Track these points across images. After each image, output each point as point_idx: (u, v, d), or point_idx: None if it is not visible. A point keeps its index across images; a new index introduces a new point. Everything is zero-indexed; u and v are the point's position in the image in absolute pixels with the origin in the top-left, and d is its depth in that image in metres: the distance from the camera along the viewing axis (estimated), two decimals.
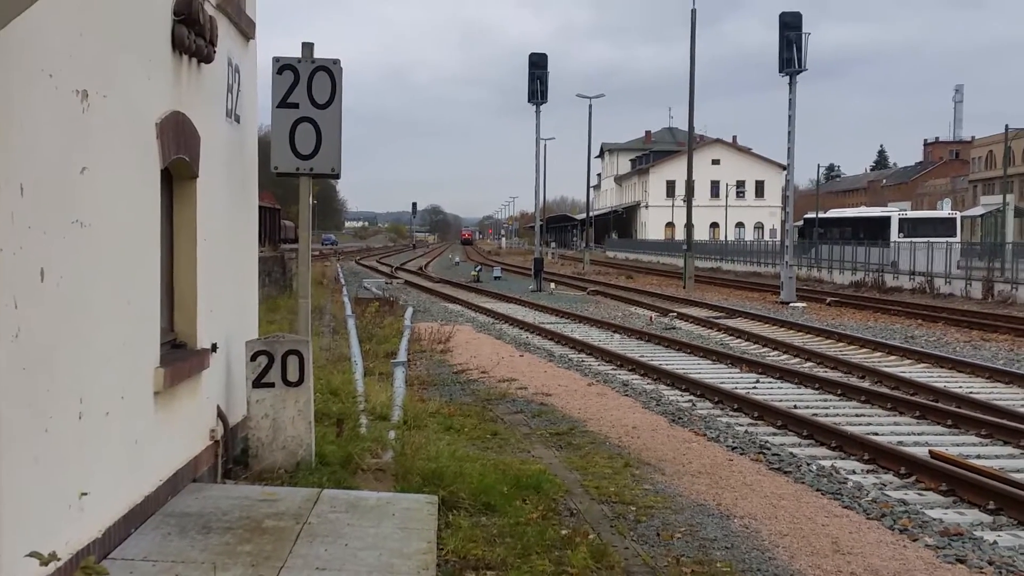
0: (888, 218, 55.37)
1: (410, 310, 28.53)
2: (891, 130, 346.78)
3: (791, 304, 34.12)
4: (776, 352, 20.95)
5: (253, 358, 8.53)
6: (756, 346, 22.12)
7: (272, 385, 8.53)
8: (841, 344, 22.34)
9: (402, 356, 17.06)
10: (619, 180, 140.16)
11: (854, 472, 10.50)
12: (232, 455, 8.67)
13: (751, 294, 40.30)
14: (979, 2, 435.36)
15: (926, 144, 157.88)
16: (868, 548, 7.97)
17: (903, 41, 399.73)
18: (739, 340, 23.39)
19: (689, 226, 47.95)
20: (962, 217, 59.64)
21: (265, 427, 8.52)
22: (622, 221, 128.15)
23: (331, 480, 8.25)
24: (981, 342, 22.83)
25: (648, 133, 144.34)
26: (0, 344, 4.43)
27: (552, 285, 44.52)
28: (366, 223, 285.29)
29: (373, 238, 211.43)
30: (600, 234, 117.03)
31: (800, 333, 24.72)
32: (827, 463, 10.76)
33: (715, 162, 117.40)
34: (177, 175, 7.52)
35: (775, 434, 12.41)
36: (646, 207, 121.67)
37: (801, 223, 65.43)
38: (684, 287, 42.84)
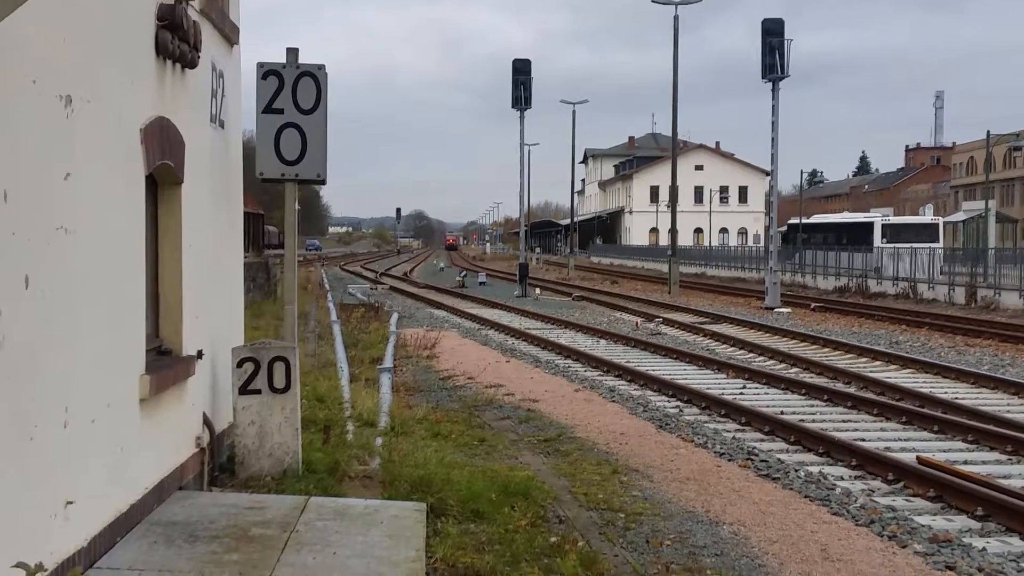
0: (871, 223, 55.55)
1: (395, 316, 28.46)
2: (873, 136, 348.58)
3: (776, 309, 34.20)
4: (762, 357, 20.97)
5: (239, 365, 8.47)
6: (742, 351, 22.13)
7: (258, 392, 8.47)
8: (826, 349, 22.39)
9: (388, 362, 16.99)
10: (603, 185, 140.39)
11: (842, 478, 10.50)
12: (218, 462, 8.60)
13: (736, 299, 40.38)
14: (959, 8, 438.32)
15: (907, 150, 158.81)
16: (857, 555, 7.96)
17: (884, 48, 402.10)
18: (725, 345, 23.41)
19: (673, 231, 48.03)
20: (944, 223, 59.93)
21: (251, 434, 8.45)
22: (606, 226, 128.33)
23: (318, 487, 8.18)
24: (965, 347, 22.91)
25: (631, 139, 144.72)
26: None
27: (537, 291, 44.52)
28: (350, 228, 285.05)
29: (357, 243, 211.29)
30: (585, 239, 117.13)
31: (785, 338, 24.76)
32: (815, 469, 10.75)
33: (699, 168, 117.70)
34: (162, 181, 7.46)
35: (763, 440, 12.40)
36: (630, 212, 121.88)
37: (785, 228, 65.64)
38: (669, 292, 42.90)
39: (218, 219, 8.94)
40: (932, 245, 44.08)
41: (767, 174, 51.98)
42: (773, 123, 36.37)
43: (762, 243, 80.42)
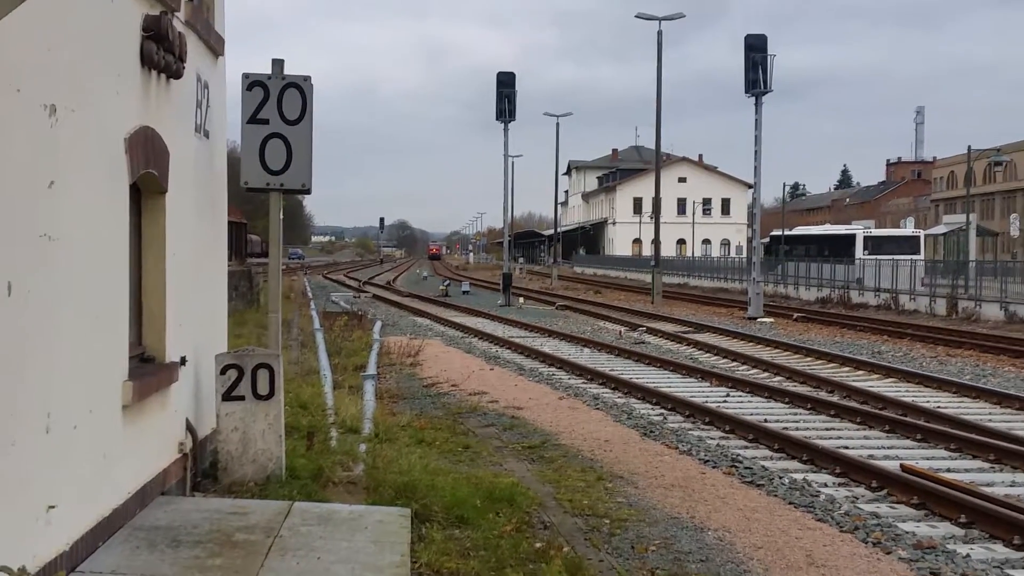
0: (853, 235, 55.80)
1: (379, 324, 28.41)
2: (854, 150, 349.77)
3: (758, 319, 34.30)
4: (745, 367, 21.03)
5: (223, 371, 8.46)
6: (725, 360, 22.19)
7: (242, 398, 8.45)
8: (809, 359, 22.47)
9: (372, 369, 16.97)
10: (586, 197, 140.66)
11: (826, 485, 10.54)
12: (201, 468, 8.59)
13: (719, 309, 40.48)
14: (938, 26, 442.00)
15: (888, 164, 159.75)
16: (842, 561, 7.99)
17: (866, 64, 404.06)
18: (708, 355, 23.46)
19: (657, 242, 48.12)
20: (926, 235, 60.23)
21: (235, 440, 8.44)
22: (590, 237, 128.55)
23: (302, 493, 8.17)
24: (947, 357, 23.04)
25: (615, 151, 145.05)
26: None
27: (521, 300, 44.54)
28: (333, 238, 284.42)
29: (340, 253, 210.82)
30: (568, 250, 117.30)
31: (768, 348, 24.84)
32: (799, 476, 10.79)
33: (682, 180, 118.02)
34: (146, 190, 7.45)
35: (747, 447, 12.43)
36: (613, 224, 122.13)
37: (767, 240, 65.91)
38: (652, 302, 42.98)
39: (202, 228, 8.93)
40: (914, 257, 44.32)
41: (750, 187, 52.30)
42: (756, 137, 36.56)
43: (744, 254, 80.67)
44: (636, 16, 44.94)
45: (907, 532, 8.81)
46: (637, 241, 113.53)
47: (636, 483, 10.46)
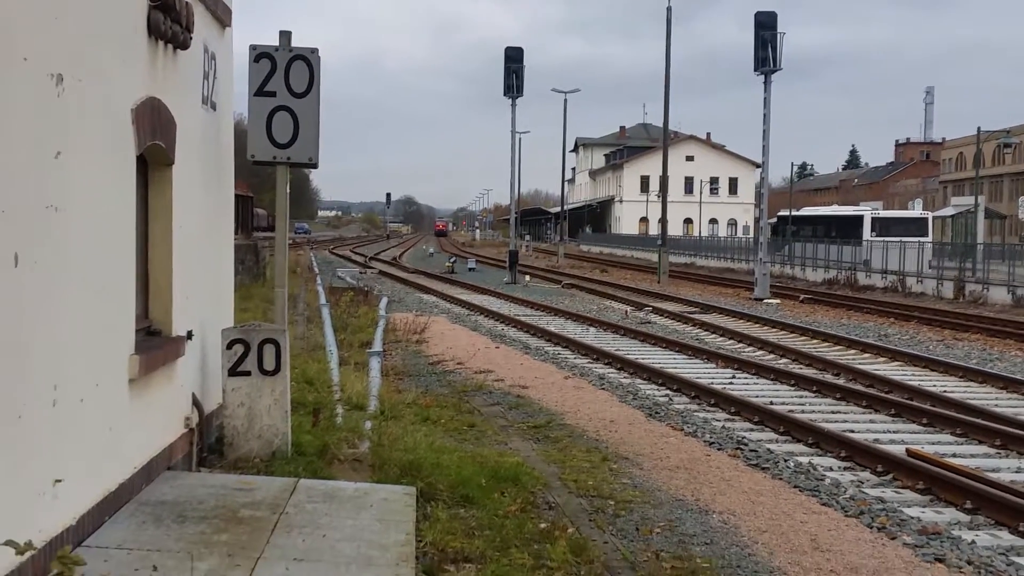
0: (861, 217, 55.61)
1: (385, 300, 28.41)
2: (863, 130, 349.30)
3: (765, 300, 34.24)
4: (751, 348, 20.98)
5: (229, 346, 8.42)
6: (731, 342, 22.15)
7: (248, 374, 8.43)
8: (815, 341, 22.42)
9: (377, 346, 16.95)
10: (593, 175, 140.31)
11: (831, 469, 10.51)
12: (207, 443, 8.57)
13: (725, 290, 40.41)
14: (950, 4, 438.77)
15: (897, 145, 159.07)
16: (847, 546, 7.96)
17: (876, 43, 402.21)
18: (714, 335, 23.42)
19: (664, 221, 48.05)
20: (934, 217, 60.02)
21: (241, 416, 8.42)
22: (596, 215, 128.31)
23: (307, 470, 8.15)
24: (953, 341, 22.97)
25: (622, 128, 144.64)
26: None
27: (527, 278, 44.50)
28: (339, 212, 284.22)
29: (346, 228, 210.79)
30: (574, 228, 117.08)
31: (775, 329, 24.79)
32: (804, 460, 10.76)
33: (689, 159, 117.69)
34: (153, 161, 7.40)
35: (752, 430, 12.41)
36: (620, 202, 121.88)
37: (775, 220, 65.65)
38: (659, 281, 42.92)
39: (209, 200, 8.88)
40: (921, 239, 44.17)
41: (757, 166, 52.08)
42: (765, 116, 36.38)
43: (751, 234, 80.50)
44: None
45: (912, 517, 8.78)
46: (644, 220, 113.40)
47: (641, 464, 10.43)
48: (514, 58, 45.84)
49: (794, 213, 67.91)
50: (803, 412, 13.40)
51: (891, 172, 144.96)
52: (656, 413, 13.24)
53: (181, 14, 7.29)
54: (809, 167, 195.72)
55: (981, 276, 35.76)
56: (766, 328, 25.09)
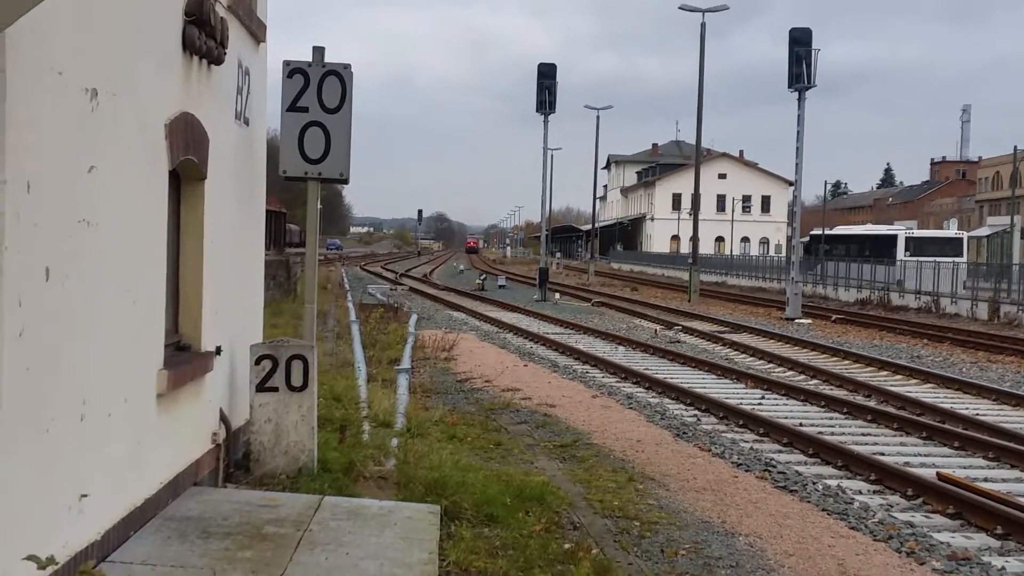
0: (895, 236, 55.20)
1: (414, 317, 28.47)
2: (898, 148, 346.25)
3: (796, 320, 34.02)
4: (781, 368, 20.85)
5: (257, 362, 8.46)
6: (761, 362, 22.01)
7: (276, 390, 8.46)
8: (847, 362, 22.23)
9: (406, 363, 16.98)
10: (625, 192, 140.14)
11: (860, 492, 10.40)
12: (234, 459, 8.60)
13: (756, 309, 40.19)
14: (985, 21, 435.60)
15: (933, 163, 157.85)
16: (875, 571, 7.87)
17: (911, 60, 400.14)
18: (744, 355, 23.29)
19: (695, 239, 47.88)
20: (969, 237, 59.48)
21: (268, 432, 8.44)
22: (627, 233, 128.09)
23: (333, 487, 8.16)
24: (987, 363, 22.71)
25: (655, 146, 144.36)
26: (3, 343, 4.35)
27: (557, 295, 44.46)
28: (371, 229, 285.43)
29: (378, 244, 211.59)
30: (605, 245, 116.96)
31: (805, 350, 24.61)
32: (833, 483, 10.66)
33: (721, 176, 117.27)
34: (185, 176, 7.46)
35: (781, 451, 12.31)
36: (652, 219, 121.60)
37: (807, 239, 65.33)
38: (689, 300, 42.76)
39: (240, 216, 8.94)
40: (956, 259, 43.75)
41: (790, 184, 51.80)
42: (798, 133, 36.23)
43: (784, 253, 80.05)
44: (679, 8, 44.68)
45: (942, 542, 8.67)
46: (675, 238, 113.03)
47: (667, 485, 10.38)
48: (547, 74, 45.93)
49: (827, 232, 67.52)
50: (833, 434, 13.28)
51: (926, 191, 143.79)
52: (684, 433, 13.17)
53: (216, 29, 7.35)
54: (843, 185, 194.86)
55: (1016, 298, 35.34)
56: (797, 348, 24.92)
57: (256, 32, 9.27)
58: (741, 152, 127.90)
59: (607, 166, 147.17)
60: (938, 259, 41.70)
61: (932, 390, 18.05)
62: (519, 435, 12.67)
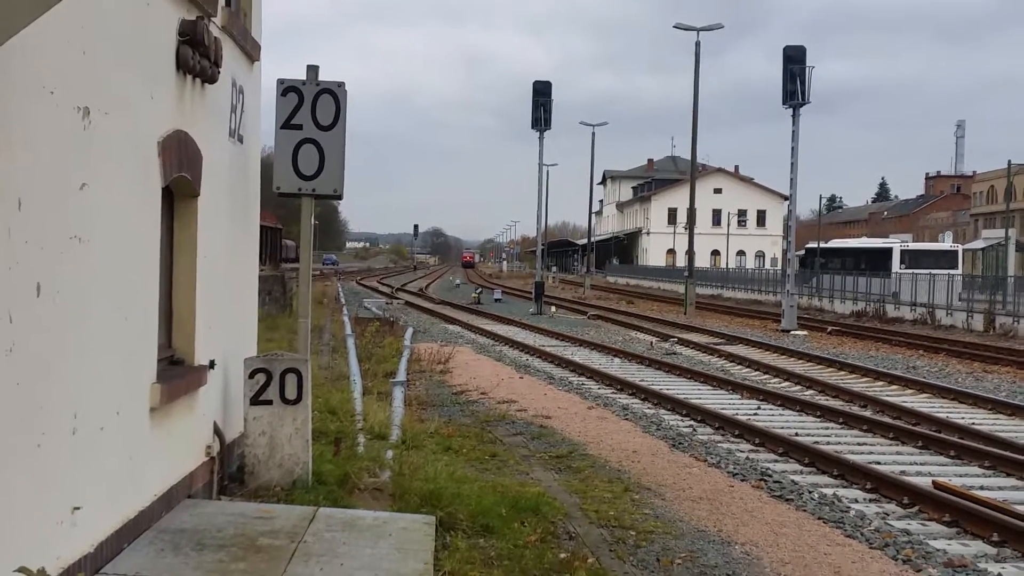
0: (890, 249, 55.31)
1: (410, 330, 28.48)
2: (892, 163, 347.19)
3: (792, 332, 34.06)
4: (777, 379, 20.87)
5: (251, 375, 8.48)
6: (757, 373, 22.04)
7: (270, 403, 8.47)
8: (842, 373, 22.26)
9: (401, 376, 16.99)
10: (621, 207, 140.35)
11: (856, 501, 10.42)
12: (228, 472, 8.60)
13: (752, 321, 40.23)
14: (979, 38, 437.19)
15: (927, 178, 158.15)
16: None
17: (904, 77, 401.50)
18: (740, 367, 23.31)
19: (691, 253, 47.97)
20: (964, 250, 59.58)
21: (262, 444, 8.45)
22: (623, 247, 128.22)
23: (327, 499, 8.17)
24: (983, 374, 22.74)
25: (650, 161, 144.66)
26: None
27: (553, 309, 44.48)
28: (367, 244, 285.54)
29: (374, 259, 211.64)
30: (601, 259, 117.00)
31: (801, 361, 24.64)
32: (829, 491, 10.67)
33: (717, 191, 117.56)
34: (179, 193, 7.49)
35: (777, 461, 12.33)
36: (647, 233, 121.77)
37: (803, 253, 65.41)
38: (685, 313, 42.79)
39: (234, 232, 8.96)
40: (951, 272, 43.83)
41: (785, 198, 51.93)
42: (793, 148, 36.40)
43: (779, 267, 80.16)
44: (674, 26, 44.91)
45: (938, 550, 8.68)
46: (671, 251, 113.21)
47: (663, 495, 10.38)
48: (542, 92, 46.12)
49: (823, 245, 67.63)
50: (829, 444, 13.30)
51: (921, 205, 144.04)
52: (679, 444, 13.18)
53: (210, 49, 7.39)
54: (838, 200, 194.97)
55: (1012, 309, 35.41)
56: (793, 360, 24.95)
57: (250, 51, 9.32)
58: (736, 167, 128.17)
59: (603, 181, 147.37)
60: (933, 271, 41.78)
61: (928, 400, 18.08)
62: (515, 446, 12.67)
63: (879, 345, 29.96)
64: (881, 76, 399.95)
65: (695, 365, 22.82)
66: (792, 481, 11.14)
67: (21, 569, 4.20)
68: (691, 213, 48.24)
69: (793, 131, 36.23)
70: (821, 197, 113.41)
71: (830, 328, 35.45)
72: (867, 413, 15.97)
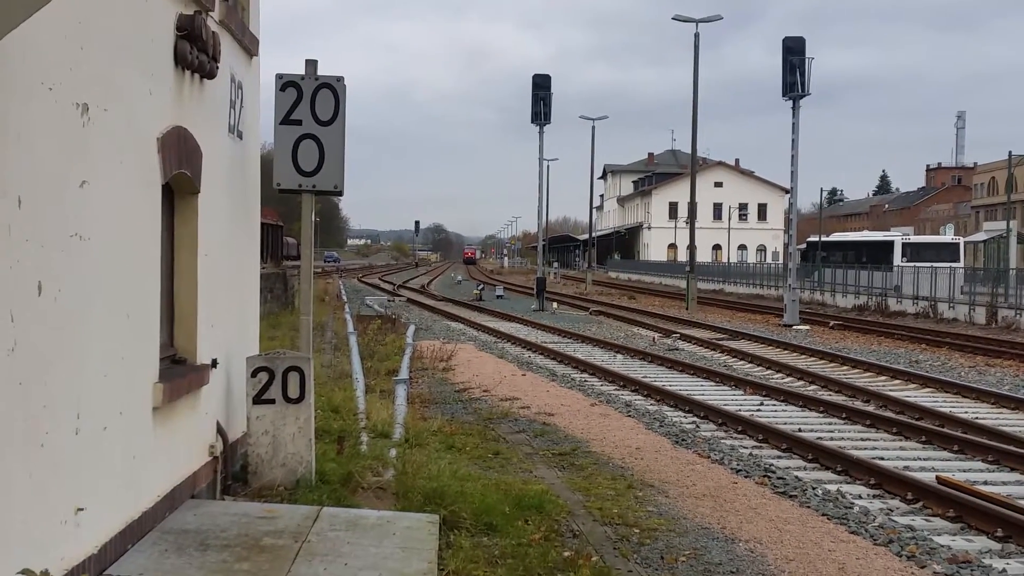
0: (891, 242, 55.30)
1: (412, 328, 28.46)
2: (893, 155, 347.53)
3: (794, 327, 34.03)
4: (780, 374, 20.84)
5: (254, 374, 8.45)
6: (760, 368, 22.00)
7: (272, 402, 8.44)
8: (845, 367, 22.23)
9: (404, 374, 16.97)
10: (622, 201, 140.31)
11: (860, 497, 10.39)
12: (231, 471, 8.57)
13: (754, 316, 40.20)
14: (979, 29, 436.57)
15: (928, 170, 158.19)
16: (875, 575, 7.85)
17: (905, 67, 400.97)
18: (742, 362, 23.28)
19: (692, 247, 47.90)
20: (965, 242, 59.53)
21: (265, 444, 8.43)
22: (625, 242, 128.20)
23: (331, 498, 8.15)
24: (986, 367, 22.71)
25: (651, 155, 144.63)
26: None
27: (554, 305, 44.46)
28: (368, 241, 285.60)
29: (375, 256, 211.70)
30: (603, 254, 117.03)
31: (804, 356, 24.62)
32: (833, 487, 10.64)
33: (718, 184, 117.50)
34: (178, 190, 7.46)
35: (780, 457, 12.30)
36: (648, 228, 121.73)
37: (804, 246, 65.36)
38: (687, 308, 42.75)
39: (235, 229, 8.93)
40: (953, 264, 43.79)
41: (786, 192, 51.89)
42: (793, 141, 36.31)
43: (781, 260, 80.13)
44: (673, 18, 44.81)
45: (942, 546, 8.66)
46: (672, 246, 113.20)
47: (667, 492, 10.36)
48: (542, 85, 46.10)
49: (824, 239, 67.58)
50: (832, 439, 13.27)
51: (922, 197, 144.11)
52: (683, 440, 13.16)
53: (208, 44, 7.36)
54: (839, 192, 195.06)
55: (1014, 302, 35.36)
56: (795, 355, 24.92)
57: (249, 46, 9.28)
58: (737, 161, 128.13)
59: (603, 176, 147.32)
60: (935, 264, 41.74)
61: (931, 394, 18.05)
62: (518, 444, 12.65)
63: (881, 339, 29.93)
64: (881, 66, 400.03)
65: (697, 361, 22.80)
66: (796, 477, 11.12)
67: (25, 571, 4.18)
68: (692, 207, 48.20)
69: (793, 123, 36.18)
70: (822, 190, 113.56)
71: (832, 322, 35.42)
72: (870, 408, 15.93)
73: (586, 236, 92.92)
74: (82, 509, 5.25)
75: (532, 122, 46.38)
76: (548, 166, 60.37)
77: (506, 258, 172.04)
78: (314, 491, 8.28)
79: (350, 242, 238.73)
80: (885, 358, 23.96)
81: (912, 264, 45.06)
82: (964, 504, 9.61)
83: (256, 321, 10.30)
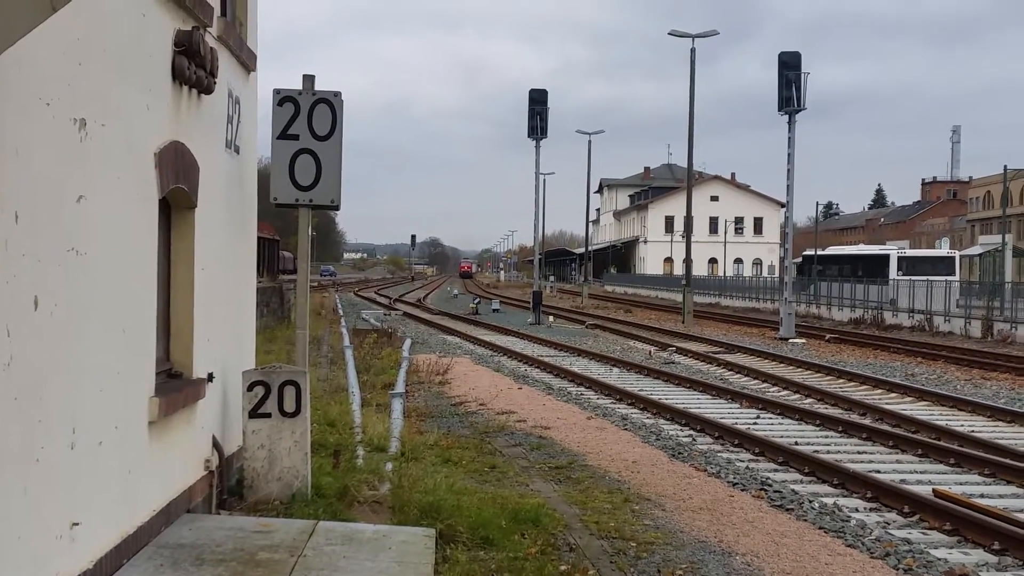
0: (887, 256, 55.39)
1: (408, 341, 28.43)
2: (889, 169, 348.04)
3: (790, 340, 34.05)
4: (776, 388, 20.84)
5: (250, 388, 8.45)
6: (756, 381, 22.01)
7: (268, 416, 8.44)
8: (841, 381, 22.24)
9: (400, 387, 16.94)
10: (618, 215, 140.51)
11: (857, 510, 10.38)
12: (227, 486, 8.57)
13: (750, 329, 40.22)
14: (974, 43, 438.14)
15: (924, 183, 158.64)
16: None
17: (900, 82, 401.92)
18: (739, 375, 23.29)
19: (688, 261, 47.94)
20: (961, 256, 59.65)
21: (261, 458, 8.42)
22: (621, 256, 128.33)
23: (327, 512, 8.14)
24: (982, 380, 22.73)
25: (647, 169, 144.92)
26: None
27: (551, 318, 44.46)
28: (365, 255, 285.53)
29: (372, 270, 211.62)
30: (599, 268, 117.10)
31: (800, 369, 24.63)
32: (829, 501, 10.64)
33: (714, 199, 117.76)
34: (175, 205, 7.47)
35: (776, 470, 12.29)
36: (644, 242, 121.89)
37: (800, 260, 65.44)
38: (683, 322, 42.76)
39: (231, 243, 8.95)
40: (948, 278, 43.86)
41: (782, 206, 51.95)
42: (789, 155, 36.40)
43: (777, 274, 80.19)
44: (669, 33, 44.90)
45: (939, 559, 8.65)
46: (668, 260, 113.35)
47: (663, 505, 10.35)
48: (538, 100, 46.19)
49: (820, 252, 67.67)
50: (828, 452, 13.27)
51: (918, 211, 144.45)
52: (679, 454, 13.15)
53: (206, 59, 7.38)
54: (835, 206, 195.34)
55: (1010, 315, 35.41)
56: (791, 368, 24.93)
57: (246, 62, 9.31)
58: (733, 175, 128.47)
59: (600, 190, 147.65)
60: (931, 278, 41.81)
61: (927, 408, 18.06)
62: (514, 458, 12.64)
63: (877, 352, 29.96)
64: (877, 81, 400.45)
65: (694, 374, 22.81)
66: (792, 490, 11.11)
67: None
68: (688, 221, 48.26)
69: (789, 138, 36.26)
70: (818, 204, 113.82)
71: (828, 336, 35.45)
72: (866, 421, 15.94)
73: (582, 250, 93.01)
74: (77, 524, 5.24)
75: (528, 136, 46.44)
76: (545, 180, 60.61)
77: (502, 272, 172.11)
78: (310, 505, 8.27)
79: (346, 256, 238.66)
80: (881, 371, 23.97)
81: (908, 278, 45.14)
82: (961, 517, 9.61)
83: (252, 335, 10.31)
